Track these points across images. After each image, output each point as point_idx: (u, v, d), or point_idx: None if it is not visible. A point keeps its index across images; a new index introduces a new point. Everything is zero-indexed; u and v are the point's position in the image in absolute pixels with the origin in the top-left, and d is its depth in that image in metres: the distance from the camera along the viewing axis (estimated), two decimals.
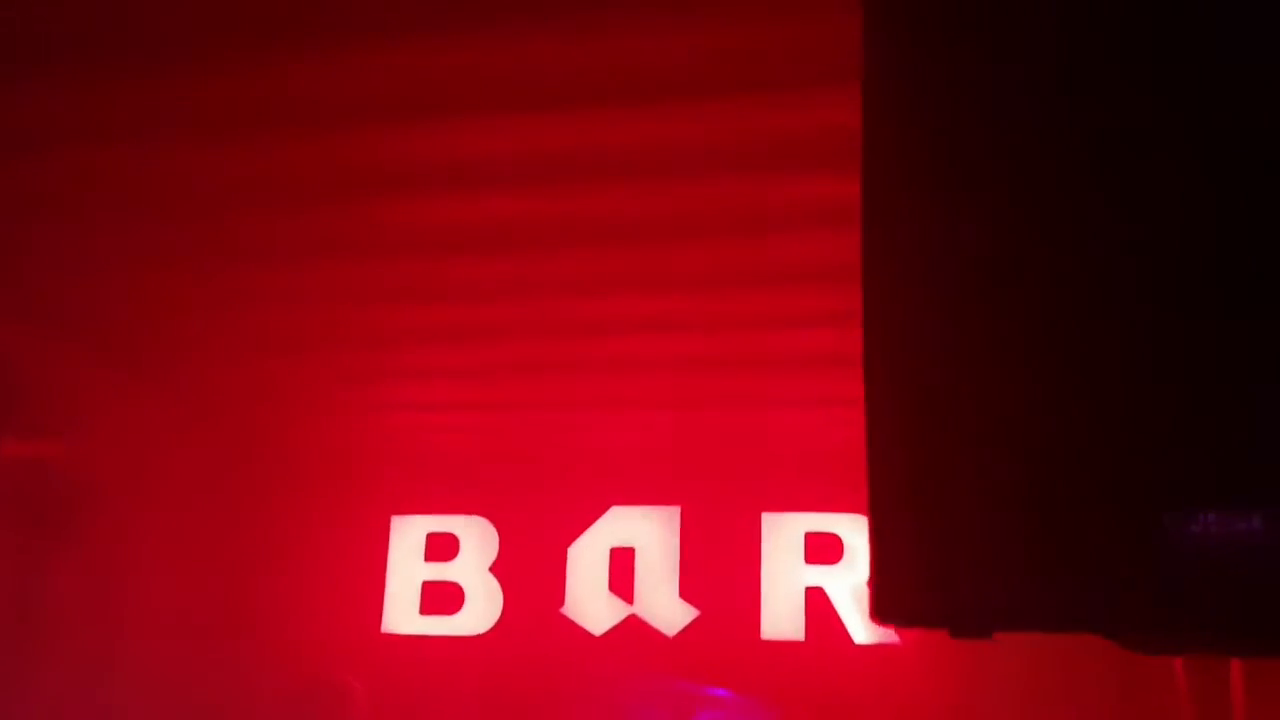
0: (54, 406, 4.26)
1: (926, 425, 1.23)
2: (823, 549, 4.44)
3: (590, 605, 4.62)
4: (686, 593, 4.55)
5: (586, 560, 4.68)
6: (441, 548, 4.83)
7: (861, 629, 4.35)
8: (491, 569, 4.76)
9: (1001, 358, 1.23)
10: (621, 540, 4.68)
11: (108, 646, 4.20)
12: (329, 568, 4.80)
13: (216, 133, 3.01)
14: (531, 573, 4.73)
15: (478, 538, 4.81)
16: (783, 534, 4.47)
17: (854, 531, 4.41)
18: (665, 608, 4.54)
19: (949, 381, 1.21)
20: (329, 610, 4.76)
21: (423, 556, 4.83)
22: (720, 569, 4.54)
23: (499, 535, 4.80)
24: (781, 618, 4.40)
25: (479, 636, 4.69)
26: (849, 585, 4.37)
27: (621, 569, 4.65)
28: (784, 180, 3.06)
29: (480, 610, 4.72)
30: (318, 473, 4.89)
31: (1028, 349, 1.20)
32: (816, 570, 4.43)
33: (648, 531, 4.66)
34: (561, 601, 4.66)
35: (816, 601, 4.41)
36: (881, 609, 1.22)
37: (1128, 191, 1.16)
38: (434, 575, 4.80)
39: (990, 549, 1.15)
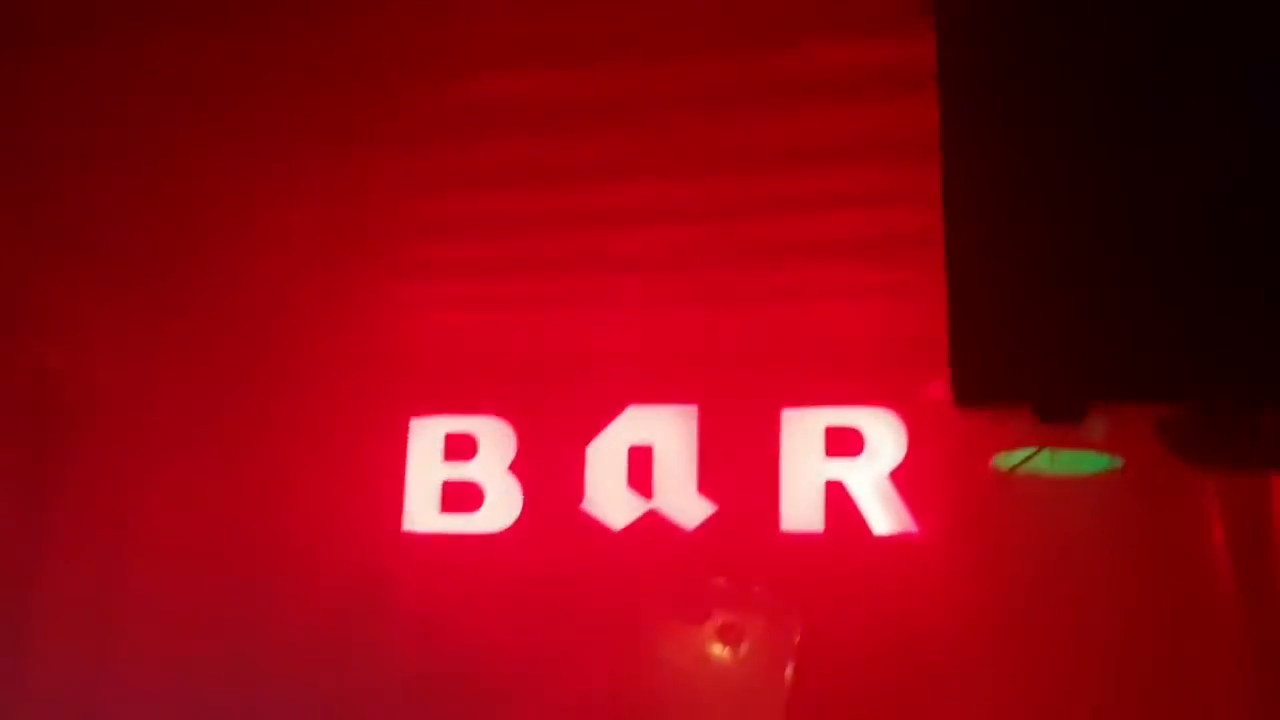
0: (60, 319, 4.24)
1: (1007, 212, 1.23)
2: (843, 443, 4.46)
3: (609, 501, 4.65)
4: (705, 488, 4.58)
5: (605, 458, 4.70)
6: (460, 448, 4.84)
7: (881, 521, 4.38)
8: (510, 469, 4.79)
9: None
10: (639, 439, 4.70)
11: (119, 556, 4.21)
12: (349, 471, 4.82)
13: (230, 18, 2.97)
14: (550, 472, 4.75)
15: (496, 438, 4.82)
16: (803, 429, 4.49)
17: (875, 425, 4.43)
18: (683, 503, 4.57)
19: (1028, 161, 1.21)
20: (350, 511, 4.79)
21: (442, 457, 4.85)
22: (739, 465, 4.56)
23: (516, 435, 4.82)
24: (801, 511, 4.43)
25: (499, 534, 4.72)
26: (870, 478, 4.40)
27: (640, 467, 4.67)
28: (803, 53, 3.03)
29: (499, 508, 4.74)
30: (335, 377, 4.89)
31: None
32: (837, 464, 4.45)
33: (665, 430, 4.67)
34: (581, 498, 4.69)
35: (836, 496, 4.44)
36: (965, 392, 1.22)
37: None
38: (453, 475, 4.82)
39: (1084, 325, 1.14)
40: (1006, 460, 3.78)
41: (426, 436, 4.87)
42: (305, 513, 4.73)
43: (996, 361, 1.20)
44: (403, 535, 4.79)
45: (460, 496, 4.79)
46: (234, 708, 4.18)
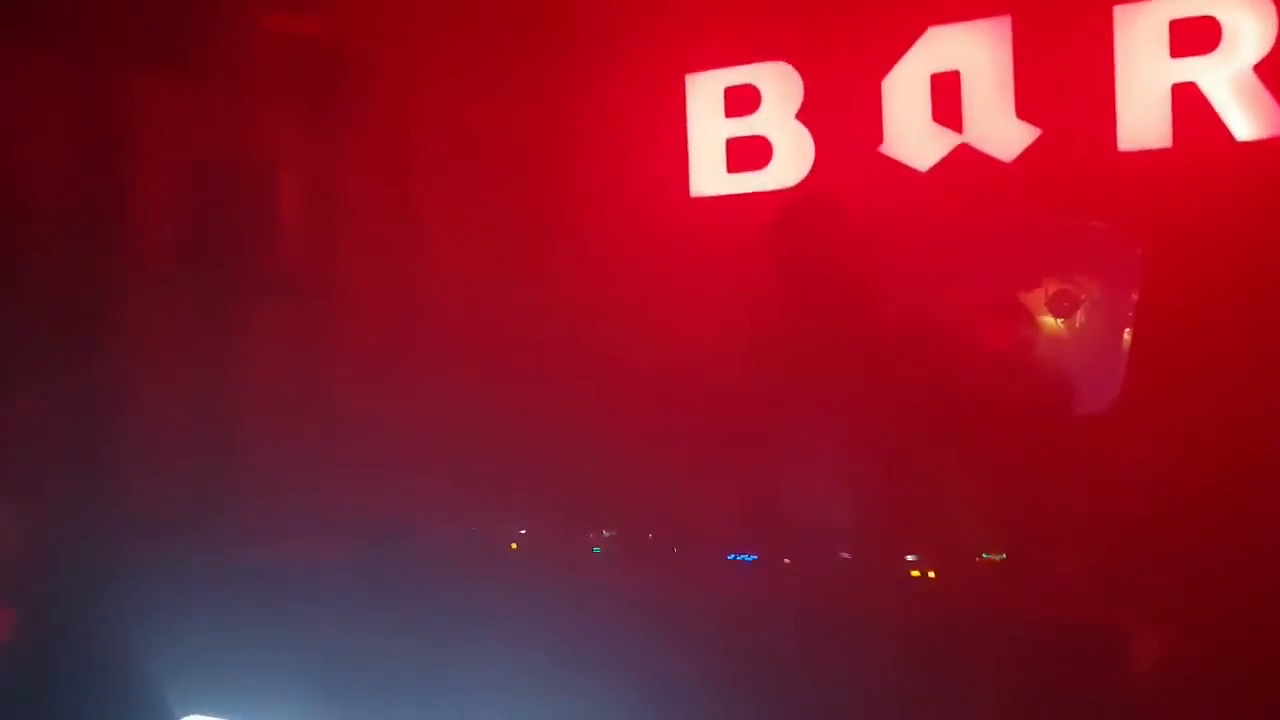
0: None
1: None
2: (1193, 37, 3.71)
3: (913, 139, 4.14)
4: (1024, 112, 3.98)
5: (904, 92, 4.15)
6: (742, 101, 4.43)
7: (1244, 124, 3.67)
8: (798, 116, 4.34)
9: None
10: (943, 64, 4.11)
11: (406, 225, 4.14)
12: (627, 138, 4.52)
13: None
14: (843, 114, 4.27)
15: (779, 85, 4.37)
16: (1142, 24, 3.76)
17: (1234, 11, 3.65)
18: (1000, 130, 4.00)
19: None
20: (633, 181, 4.53)
21: (723, 113, 4.45)
22: (1065, 80, 3.90)
23: (802, 79, 4.34)
24: (1142, 123, 3.77)
25: (792, 189, 4.34)
26: (1229, 75, 3.66)
27: (946, 96, 4.11)
28: None
29: (790, 160, 4.34)
30: (599, 40, 4.54)
31: None
32: (1185, 64, 3.71)
33: (972, 50, 4.06)
34: (879, 141, 4.21)
35: (1186, 101, 3.74)
36: None
37: None
38: (737, 131, 4.43)
39: None
40: None
41: (704, 92, 4.48)
42: (589, 188, 4.51)
43: None
44: (689, 201, 4.49)
45: (747, 153, 4.42)
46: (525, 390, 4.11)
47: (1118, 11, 3.82)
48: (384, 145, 4.18)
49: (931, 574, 3.13)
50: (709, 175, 4.48)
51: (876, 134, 4.20)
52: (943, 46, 4.10)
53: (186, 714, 3.56)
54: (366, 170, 4.17)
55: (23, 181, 3.69)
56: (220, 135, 3.89)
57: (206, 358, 3.85)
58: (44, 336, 3.61)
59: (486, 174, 4.43)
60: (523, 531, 3.73)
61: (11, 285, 3.54)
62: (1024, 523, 3.37)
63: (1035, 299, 3.98)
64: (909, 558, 3.20)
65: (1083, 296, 3.95)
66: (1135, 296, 3.87)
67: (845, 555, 3.33)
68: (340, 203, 4.04)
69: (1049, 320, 3.97)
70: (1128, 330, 3.86)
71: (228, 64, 3.92)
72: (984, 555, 3.21)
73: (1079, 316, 3.95)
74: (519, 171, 4.44)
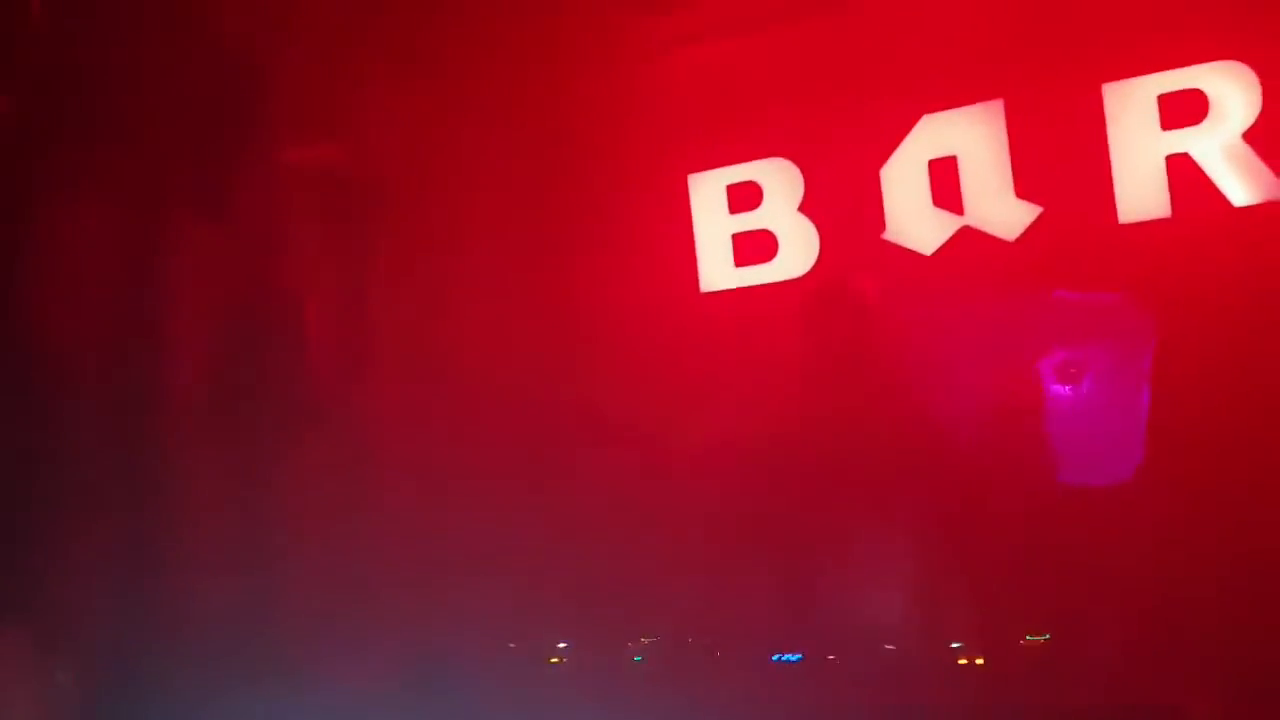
0: (349, 111, 4.17)
1: None
2: (1182, 109, 3.82)
3: (915, 224, 4.22)
4: (1024, 191, 4.07)
5: (903, 179, 4.24)
6: (745, 197, 4.52)
7: (1239, 190, 3.75)
8: (800, 209, 4.43)
9: None
10: (940, 150, 4.20)
11: (435, 334, 4.21)
12: (634, 237, 4.60)
13: None
14: (844, 204, 4.35)
15: (781, 180, 4.46)
16: (1131, 101, 3.87)
17: (1218, 82, 3.76)
18: (1001, 211, 4.08)
19: None
20: (644, 279, 4.60)
21: (727, 209, 4.54)
22: (1060, 156, 4.00)
23: (802, 173, 4.44)
24: (1140, 195, 3.86)
25: (800, 279, 4.41)
26: (1219, 144, 3.76)
27: (945, 181, 4.20)
28: None
29: (796, 252, 4.41)
30: (603, 145, 4.64)
31: None
32: (1177, 135, 3.81)
33: (968, 134, 4.15)
34: (882, 228, 4.29)
35: (1180, 171, 3.83)
36: None
37: None
38: (742, 226, 4.52)
39: None
40: None
41: (708, 190, 4.57)
42: (601, 289, 4.58)
43: None
44: (699, 297, 4.56)
45: (753, 247, 4.50)
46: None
47: (1106, 89, 3.92)
48: (406, 265, 4.28)
49: (979, 661, 3.14)
50: (717, 270, 4.55)
51: (879, 222, 4.28)
52: (938, 133, 4.20)
53: None
54: (391, 291, 4.26)
55: (71, 323, 3.76)
56: (253, 269, 3.99)
57: (247, 491, 3.89)
58: (95, 468, 3.66)
59: (508, 284, 4.51)
60: (562, 645, 3.74)
61: (55, 426, 3.60)
62: (1061, 601, 3.38)
63: (1046, 373, 4.04)
64: (953, 645, 3.22)
65: (1091, 367, 4.00)
66: (1145, 365, 3.93)
67: (890, 648, 3.34)
68: (368, 324, 4.13)
69: (1062, 393, 4.02)
70: (1141, 398, 3.91)
71: (258, 200, 4.03)
72: (1027, 637, 3.23)
73: (1089, 387, 4.00)
74: (539, 281, 4.52)
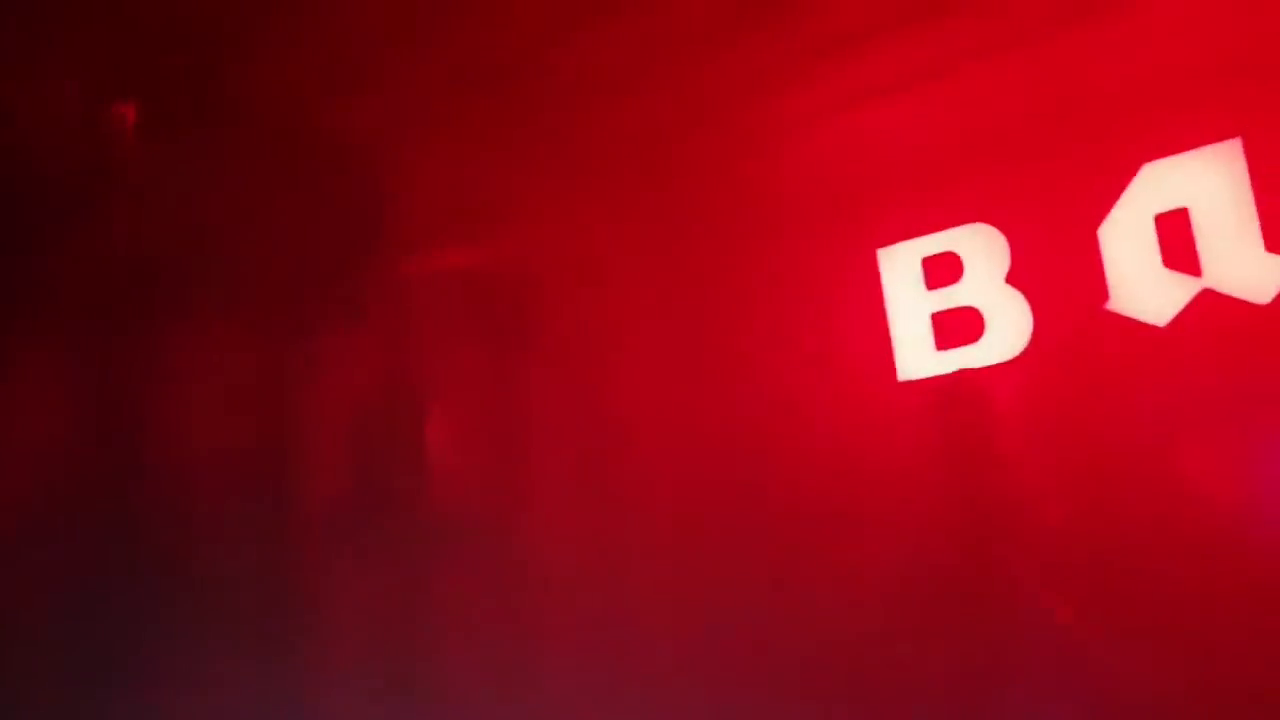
0: (498, 213, 4.03)
1: None
2: None
3: (1144, 291, 3.59)
4: (1275, 243, 3.38)
5: (1125, 238, 3.64)
6: (943, 270, 4.01)
7: None
8: (1008, 280, 3.88)
9: None
10: (1167, 202, 3.58)
11: (602, 434, 3.94)
12: (819, 324, 4.18)
13: None
14: (1059, 272, 3.78)
15: (982, 248, 3.93)
16: None
17: None
18: (1248, 269, 3.41)
19: None
20: (833, 371, 4.16)
21: (923, 285, 4.05)
22: None
23: (1007, 239, 3.89)
24: None
25: (1012, 361, 3.85)
26: None
27: (1176, 237, 3.57)
28: None
29: (1006, 330, 3.86)
30: (777, 225, 4.25)
31: None
32: None
33: (1201, 182, 3.51)
34: (1105, 297, 3.68)
35: None
36: None
37: None
38: (942, 303, 4.01)
39: None
40: None
41: (900, 265, 4.09)
42: (785, 386, 4.17)
43: None
44: (899, 386, 4.07)
45: (956, 327, 3.98)
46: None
47: None
48: (563, 366, 4.04)
49: None
50: (916, 355, 4.05)
51: (1100, 290, 3.68)
52: (1164, 182, 3.59)
53: None
54: (553, 394, 4.03)
55: (211, 446, 3.73)
56: (392, 378, 3.87)
57: (390, 608, 3.73)
58: (241, 592, 3.59)
59: (676, 383, 4.18)
60: None
61: (204, 549, 3.55)
62: None
63: None
64: None
65: None
66: None
67: None
68: (529, 430, 3.92)
69: None
70: None
71: (399, 308, 3.92)
72: None
73: None
74: (712, 380, 4.17)
